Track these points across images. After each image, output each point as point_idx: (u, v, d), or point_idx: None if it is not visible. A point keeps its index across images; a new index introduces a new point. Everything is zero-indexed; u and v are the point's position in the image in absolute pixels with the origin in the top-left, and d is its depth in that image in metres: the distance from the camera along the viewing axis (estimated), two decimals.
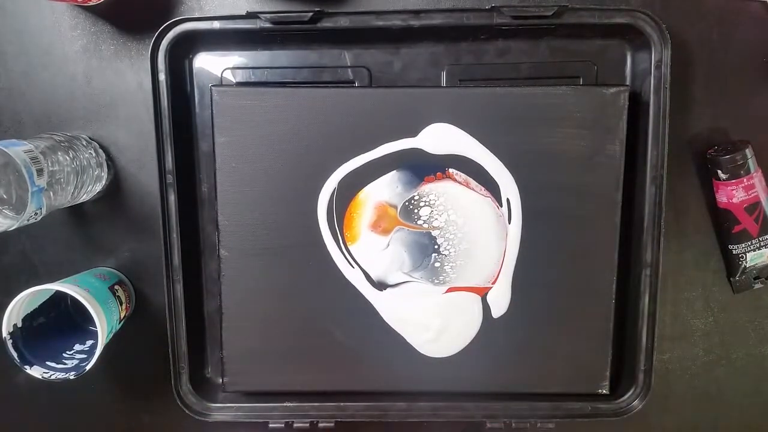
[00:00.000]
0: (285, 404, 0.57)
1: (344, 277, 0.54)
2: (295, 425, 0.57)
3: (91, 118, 0.56)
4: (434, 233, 0.54)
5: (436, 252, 0.54)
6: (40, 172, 0.46)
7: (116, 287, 0.56)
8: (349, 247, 0.54)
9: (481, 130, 0.52)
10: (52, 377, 0.51)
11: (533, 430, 0.57)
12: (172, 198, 0.54)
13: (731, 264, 0.57)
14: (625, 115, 0.52)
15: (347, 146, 0.53)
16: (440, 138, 0.53)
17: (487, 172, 0.53)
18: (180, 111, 0.54)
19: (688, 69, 0.55)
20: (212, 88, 0.52)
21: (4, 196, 0.46)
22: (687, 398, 0.60)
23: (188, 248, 0.56)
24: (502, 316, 0.55)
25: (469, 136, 0.53)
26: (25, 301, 0.51)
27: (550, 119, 0.52)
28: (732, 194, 0.54)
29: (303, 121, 0.52)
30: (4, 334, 0.50)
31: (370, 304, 0.55)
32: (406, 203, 0.53)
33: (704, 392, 0.60)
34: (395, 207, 0.54)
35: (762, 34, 0.55)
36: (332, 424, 0.57)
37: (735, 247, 0.56)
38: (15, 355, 0.51)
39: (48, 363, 0.52)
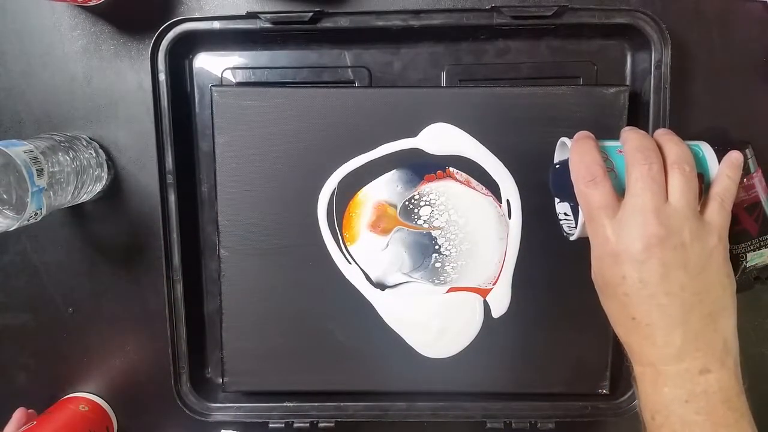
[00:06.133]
0: (285, 404, 0.57)
1: (344, 277, 0.54)
2: (295, 425, 0.57)
3: (91, 118, 0.56)
4: (435, 233, 0.54)
5: (437, 252, 0.54)
6: (40, 172, 0.46)
7: None
8: (349, 248, 0.54)
9: (481, 130, 0.52)
10: None
11: (533, 430, 0.57)
12: (172, 198, 0.54)
13: (731, 264, 0.57)
14: (625, 115, 0.52)
15: (347, 146, 0.53)
16: (440, 138, 0.53)
17: (487, 172, 0.53)
18: (180, 111, 0.55)
19: (688, 69, 0.55)
20: (212, 88, 0.52)
21: (4, 196, 0.46)
22: None
23: (188, 248, 0.56)
24: (502, 316, 0.55)
25: (469, 136, 0.53)
26: None
27: (550, 119, 0.52)
28: None
29: (303, 121, 0.52)
30: None
31: (370, 304, 0.55)
32: (406, 203, 0.53)
33: None
34: (395, 206, 0.54)
35: (762, 34, 0.55)
36: (332, 424, 0.57)
37: (735, 247, 0.56)
38: None
39: None
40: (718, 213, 0.41)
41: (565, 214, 0.48)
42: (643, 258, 0.39)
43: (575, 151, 0.42)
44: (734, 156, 0.43)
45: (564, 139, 0.46)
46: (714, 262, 0.40)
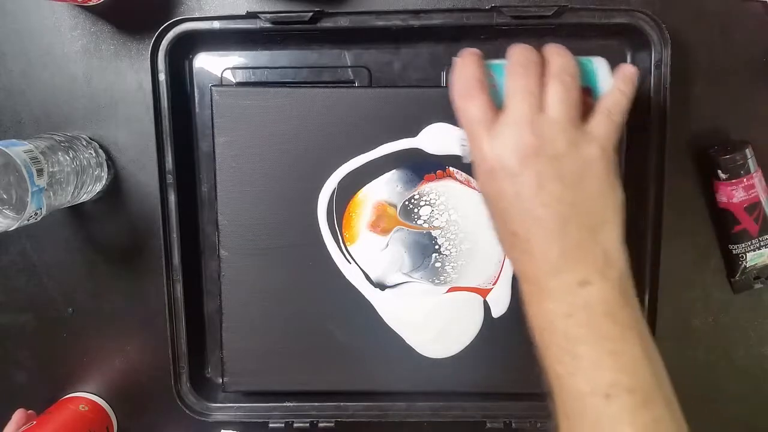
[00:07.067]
0: (285, 404, 0.57)
1: (344, 277, 0.54)
2: (295, 425, 0.57)
3: (91, 118, 0.56)
4: (435, 233, 0.54)
5: (436, 252, 0.54)
6: (40, 172, 0.46)
7: None
8: (348, 247, 0.54)
9: None
10: None
11: (533, 430, 0.57)
12: (172, 198, 0.54)
13: (731, 264, 0.57)
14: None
15: (347, 146, 0.53)
16: (440, 138, 0.52)
17: None
18: (180, 111, 0.54)
19: (688, 69, 0.55)
20: (212, 88, 0.52)
21: (4, 196, 0.46)
22: (687, 398, 0.60)
23: (188, 248, 0.56)
24: (502, 316, 0.55)
25: None
26: None
27: None
28: (732, 194, 0.55)
29: (303, 121, 0.52)
30: None
31: (370, 304, 0.55)
32: (406, 202, 0.53)
33: (704, 392, 0.60)
34: (395, 206, 0.53)
35: (762, 34, 0.55)
36: (332, 424, 0.57)
37: (735, 247, 0.56)
38: None
39: None
40: (604, 124, 0.40)
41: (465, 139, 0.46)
42: (517, 170, 0.38)
43: (456, 69, 0.41)
44: (627, 69, 0.42)
45: (457, 59, 0.44)
46: (593, 172, 0.38)
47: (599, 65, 0.43)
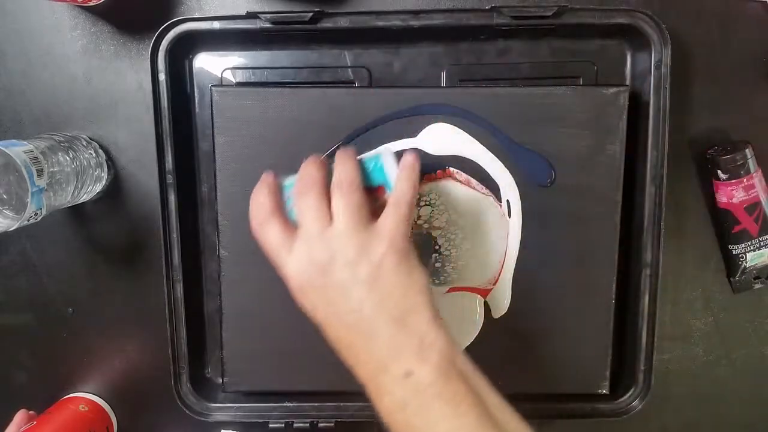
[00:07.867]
0: (285, 404, 0.57)
1: None
2: (295, 425, 0.57)
3: (91, 118, 0.56)
4: (435, 233, 0.54)
5: (437, 252, 0.54)
6: (40, 172, 0.46)
7: None
8: None
9: (481, 130, 0.52)
10: None
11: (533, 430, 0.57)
12: (172, 198, 0.54)
13: (731, 264, 0.57)
14: (625, 115, 0.52)
15: (347, 146, 0.53)
16: (440, 138, 0.52)
17: (487, 173, 0.53)
18: (180, 111, 0.54)
19: (688, 69, 0.55)
20: (212, 88, 0.52)
21: (4, 196, 0.46)
22: (687, 398, 0.60)
23: (188, 248, 0.56)
24: (502, 316, 0.55)
25: (469, 136, 0.53)
26: None
27: (550, 119, 0.52)
28: (732, 194, 0.55)
29: (303, 121, 0.52)
30: None
31: None
32: None
33: (704, 392, 0.60)
34: None
35: (762, 34, 0.55)
36: (332, 424, 0.57)
37: (735, 247, 0.56)
38: None
39: None
40: (390, 217, 0.41)
41: None
42: (320, 283, 0.40)
43: (251, 199, 0.44)
44: (407, 158, 0.43)
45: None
46: (386, 268, 0.40)
47: (386, 160, 0.44)
